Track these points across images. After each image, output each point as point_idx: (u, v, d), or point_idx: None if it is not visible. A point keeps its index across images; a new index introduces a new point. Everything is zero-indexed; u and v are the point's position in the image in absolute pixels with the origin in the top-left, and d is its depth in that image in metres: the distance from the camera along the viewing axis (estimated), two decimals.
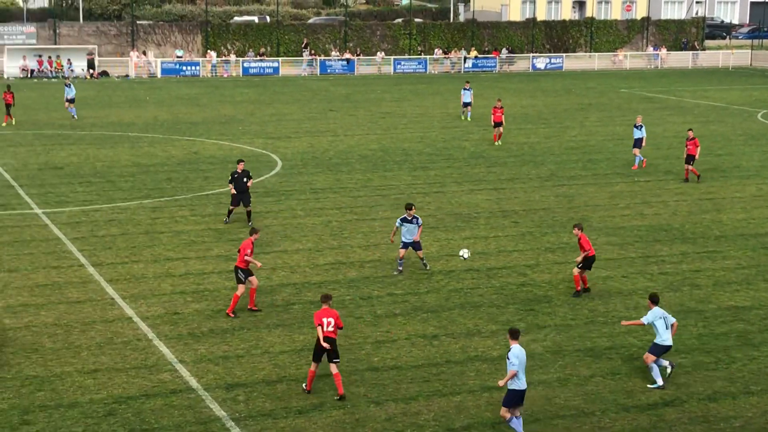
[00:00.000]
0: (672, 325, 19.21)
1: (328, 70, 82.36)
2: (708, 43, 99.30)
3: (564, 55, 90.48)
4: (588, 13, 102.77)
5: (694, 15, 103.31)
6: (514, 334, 17.14)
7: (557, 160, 42.64)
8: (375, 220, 31.82)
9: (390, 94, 67.35)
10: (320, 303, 18.80)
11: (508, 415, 17.00)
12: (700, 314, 23.23)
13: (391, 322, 22.53)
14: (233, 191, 30.59)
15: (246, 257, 22.64)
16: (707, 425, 17.61)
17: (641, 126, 40.13)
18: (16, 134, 47.25)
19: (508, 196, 35.62)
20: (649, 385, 18.98)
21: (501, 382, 17.19)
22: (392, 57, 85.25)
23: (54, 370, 19.48)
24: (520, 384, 16.88)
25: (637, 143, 40.10)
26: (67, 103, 53.46)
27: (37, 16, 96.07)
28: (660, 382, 18.91)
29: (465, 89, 54.64)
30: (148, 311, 22.96)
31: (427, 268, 26.36)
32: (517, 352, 16.88)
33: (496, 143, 46.03)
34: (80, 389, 18.64)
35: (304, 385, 18.72)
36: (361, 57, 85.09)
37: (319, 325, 18.24)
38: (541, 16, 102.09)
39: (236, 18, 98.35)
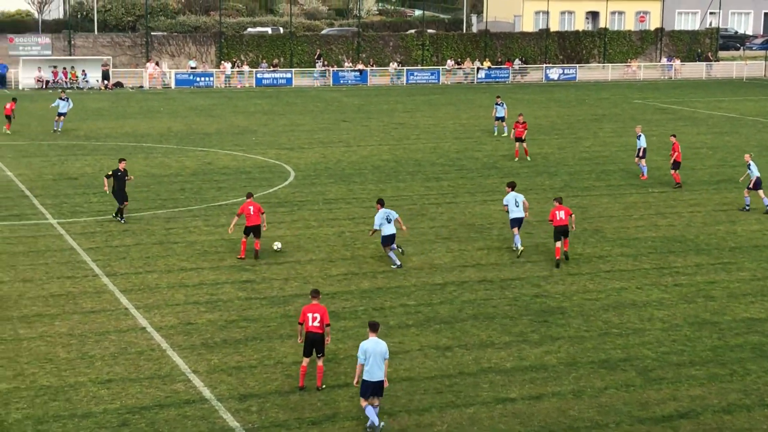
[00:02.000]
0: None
1: (341, 81, 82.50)
2: (722, 54, 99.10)
3: (577, 65, 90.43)
4: (601, 24, 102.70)
5: (707, 26, 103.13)
6: (372, 327, 17.73)
7: (571, 170, 42.58)
8: None
9: (403, 104, 67.41)
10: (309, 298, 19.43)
11: (363, 404, 17.56)
12: (714, 326, 23.14)
13: (404, 333, 22.50)
14: (107, 189, 32.88)
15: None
16: None
17: (640, 135, 40.43)
18: (31, 144, 47.45)
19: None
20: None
21: (355, 381, 17.90)
22: (405, 68, 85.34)
23: (68, 380, 19.52)
24: (369, 375, 17.34)
25: (641, 153, 40.31)
26: (57, 117, 52.38)
27: (52, 28, 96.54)
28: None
29: (497, 104, 53.01)
30: (162, 321, 22.99)
31: (402, 252, 28.20)
32: (366, 346, 17.41)
33: (516, 159, 45.03)
34: (94, 399, 18.67)
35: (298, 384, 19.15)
36: (374, 68, 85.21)
37: (301, 323, 19.01)
38: (554, 26, 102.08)
39: (250, 29, 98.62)
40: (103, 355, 20.88)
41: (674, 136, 39.94)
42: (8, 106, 51.84)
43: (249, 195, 28.89)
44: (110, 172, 32.97)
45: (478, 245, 30.07)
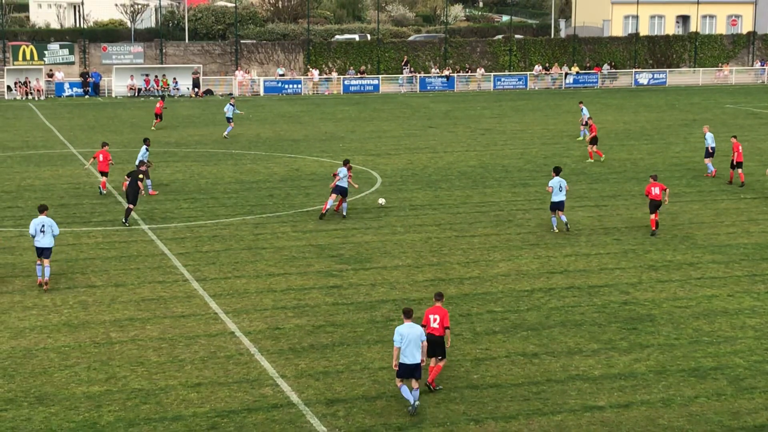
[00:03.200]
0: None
1: (428, 87, 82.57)
2: None
3: (667, 70, 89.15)
4: (692, 28, 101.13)
5: None
6: (406, 313, 18.64)
7: (661, 176, 41.85)
8: (474, 236, 31.75)
9: (490, 110, 67.21)
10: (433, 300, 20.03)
11: (399, 384, 18.62)
12: None
13: (491, 339, 22.43)
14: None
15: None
16: None
17: (709, 135, 42.10)
18: (124, 151, 48.46)
19: (610, 213, 35.19)
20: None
21: (393, 364, 18.63)
22: (492, 73, 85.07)
23: (159, 384, 19.87)
24: (405, 359, 18.32)
25: (708, 153, 41.95)
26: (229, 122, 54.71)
27: (144, 36, 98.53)
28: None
29: (581, 109, 53.26)
30: (250, 326, 23.27)
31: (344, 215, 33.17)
32: (402, 330, 18.37)
33: (589, 160, 45.77)
34: (184, 402, 18.98)
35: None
36: (461, 74, 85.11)
37: (424, 324, 19.26)
38: (643, 31, 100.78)
39: (337, 36, 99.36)
40: (193, 359, 21.22)
41: (735, 137, 41.22)
42: (158, 105, 58.19)
43: (345, 162, 34.54)
44: (138, 175, 33.78)
45: (565, 252, 29.83)
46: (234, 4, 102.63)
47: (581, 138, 52.35)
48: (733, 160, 40.06)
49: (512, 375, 20.32)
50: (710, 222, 33.70)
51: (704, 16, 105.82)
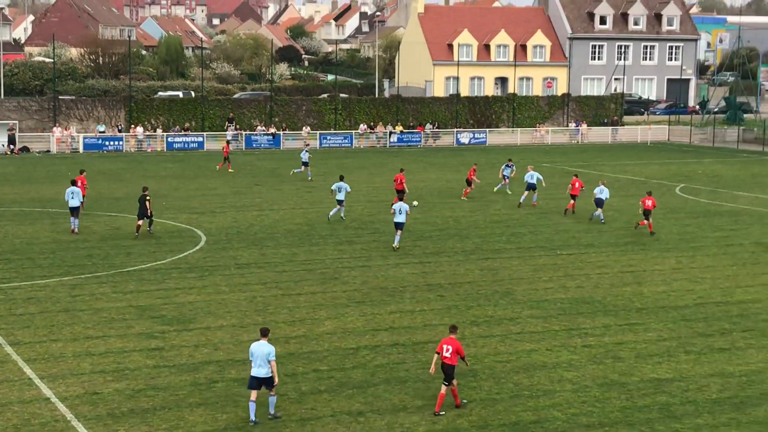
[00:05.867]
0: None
1: (254, 145, 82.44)
2: (626, 118, 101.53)
3: (487, 130, 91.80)
4: (510, 90, 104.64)
5: (612, 91, 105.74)
6: (262, 332, 21.18)
7: (482, 233, 42.98)
8: (300, 295, 31.66)
9: (315, 168, 67.44)
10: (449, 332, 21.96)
11: (252, 397, 20.89)
12: (623, 387, 23.40)
13: (317, 399, 22.29)
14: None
15: None
16: None
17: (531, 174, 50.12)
18: None
19: (434, 269, 35.74)
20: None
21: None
22: (318, 131, 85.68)
23: None
24: (254, 372, 20.83)
25: (530, 186, 50.10)
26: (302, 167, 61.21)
27: None
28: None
29: (508, 165, 57.13)
30: (67, 391, 22.41)
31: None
32: (252, 348, 20.97)
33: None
34: None
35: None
36: (287, 131, 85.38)
37: (438, 352, 21.56)
38: (464, 92, 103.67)
39: (160, 93, 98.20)
40: (6, 426, 20.24)
41: (576, 175, 49.61)
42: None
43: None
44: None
45: (390, 308, 30.06)
46: (52, 60, 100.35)
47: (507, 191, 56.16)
48: (570, 193, 47.78)
49: None
50: (529, 278, 34.65)
51: (521, 78, 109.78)
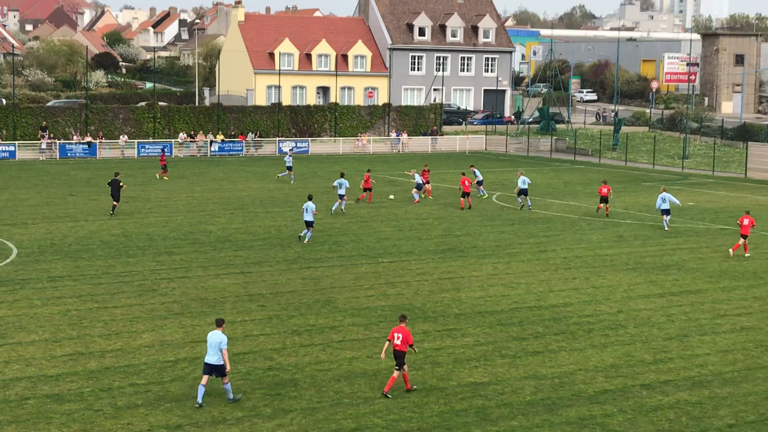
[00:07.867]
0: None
1: (68, 154, 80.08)
2: (446, 128, 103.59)
3: (309, 139, 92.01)
4: (332, 99, 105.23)
5: (432, 102, 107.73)
6: (217, 322, 22.86)
7: (303, 243, 42.96)
8: (117, 307, 30.91)
9: (134, 177, 66.08)
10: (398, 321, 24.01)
11: (203, 381, 22.48)
12: (441, 392, 23.81)
13: (133, 413, 21.79)
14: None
15: None
16: None
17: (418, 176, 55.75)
18: None
19: (255, 279, 35.53)
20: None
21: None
22: (136, 140, 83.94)
23: None
24: (207, 359, 22.46)
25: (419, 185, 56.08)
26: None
27: None
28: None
29: (474, 172, 59.74)
30: None
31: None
32: (208, 336, 22.57)
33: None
34: None
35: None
36: (104, 140, 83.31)
37: (389, 340, 23.32)
38: (286, 101, 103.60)
39: None
40: None
41: (464, 173, 55.62)
42: None
43: None
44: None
45: (209, 320, 29.65)
46: None
47: (484, 196, 58.86)
48: (463, 191, 53.50)
49: None
50: (350, 286, 34.87)
51: (343, 88, 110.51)
